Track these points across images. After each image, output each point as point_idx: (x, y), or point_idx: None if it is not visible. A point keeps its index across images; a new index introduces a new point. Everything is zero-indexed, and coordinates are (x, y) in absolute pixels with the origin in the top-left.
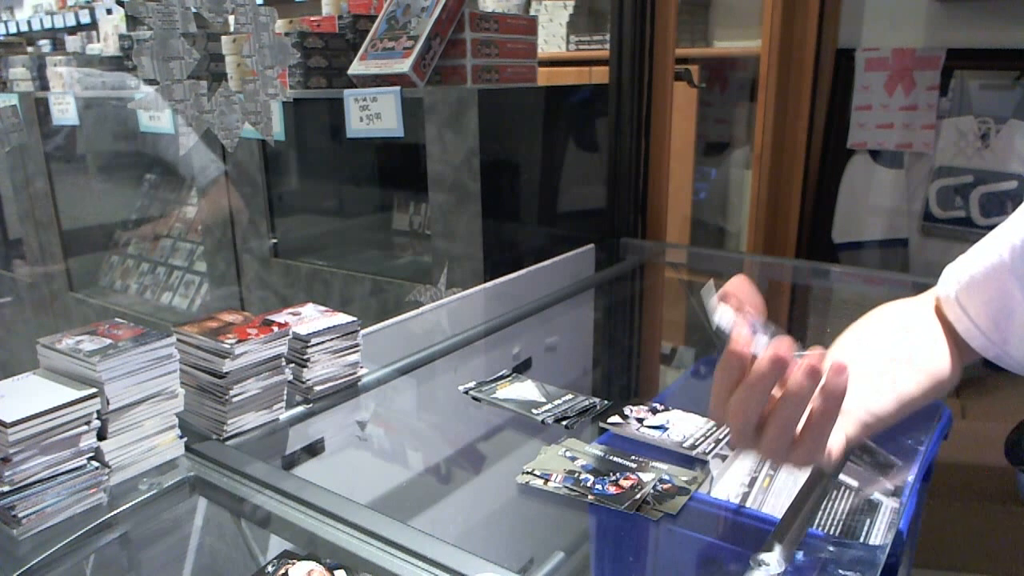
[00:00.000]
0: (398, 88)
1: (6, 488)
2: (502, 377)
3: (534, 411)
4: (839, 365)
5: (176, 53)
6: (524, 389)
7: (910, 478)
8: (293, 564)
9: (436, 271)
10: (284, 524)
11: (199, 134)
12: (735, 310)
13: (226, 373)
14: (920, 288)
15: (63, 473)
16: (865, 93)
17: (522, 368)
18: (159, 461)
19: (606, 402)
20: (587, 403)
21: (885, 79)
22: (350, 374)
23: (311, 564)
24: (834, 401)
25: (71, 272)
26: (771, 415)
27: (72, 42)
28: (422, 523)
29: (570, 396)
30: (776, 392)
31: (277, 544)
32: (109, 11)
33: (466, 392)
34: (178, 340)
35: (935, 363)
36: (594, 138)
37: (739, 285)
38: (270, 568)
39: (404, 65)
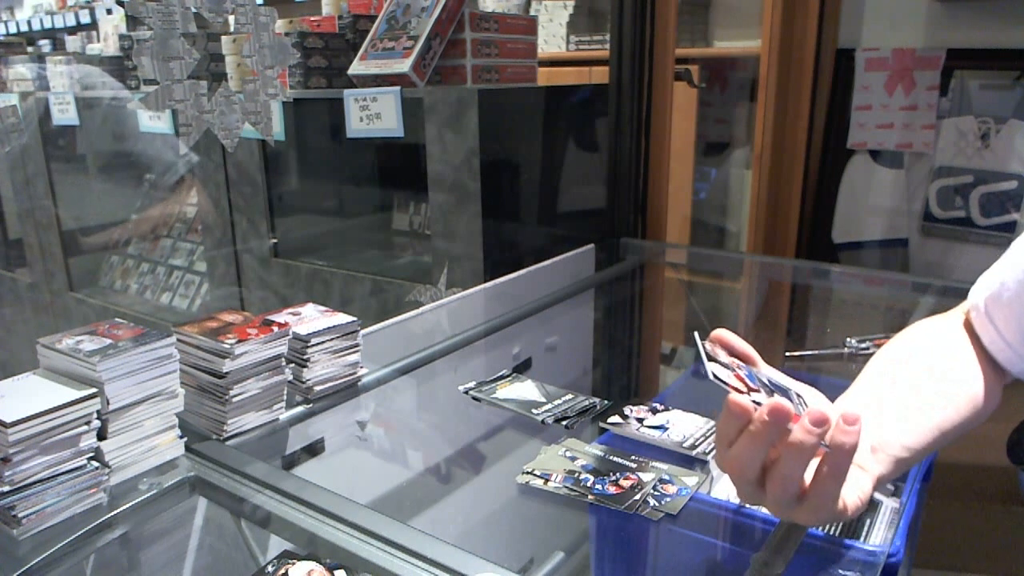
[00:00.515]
0: (398, 88)
1: (6, 488)
2: (502, 377)
3: (534, 411)
4: (850, 418)
5: (176, 53)
6: (524, 389)
7: (910, 478)
8: (293, 564)
9: (436, 271)
10: (284, 524)
11: (199, 134)
12: (727, 360)
13: (226, 373)
14: (920, 288)
15: (63, 473)
16: (865, 93)
17: (522, 368)
18: (159, 461)
19: (606, 402)
20: (587, 403)
21: (885, 79)
22: (350, 374)
23: (311, 564)
24: (844, 458)
25: (71, 272)
26: (771, 469)
27: (72, 42)
28: (422, 523)
29: (570, 396)
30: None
31: (277, 544)
32: (109, 11)
33: (466, 392)
34: (178, 340)
35: (973, 387)
36: (594, 138)
37: (723, 337)
38: (270, 568)
39: (404, 65)
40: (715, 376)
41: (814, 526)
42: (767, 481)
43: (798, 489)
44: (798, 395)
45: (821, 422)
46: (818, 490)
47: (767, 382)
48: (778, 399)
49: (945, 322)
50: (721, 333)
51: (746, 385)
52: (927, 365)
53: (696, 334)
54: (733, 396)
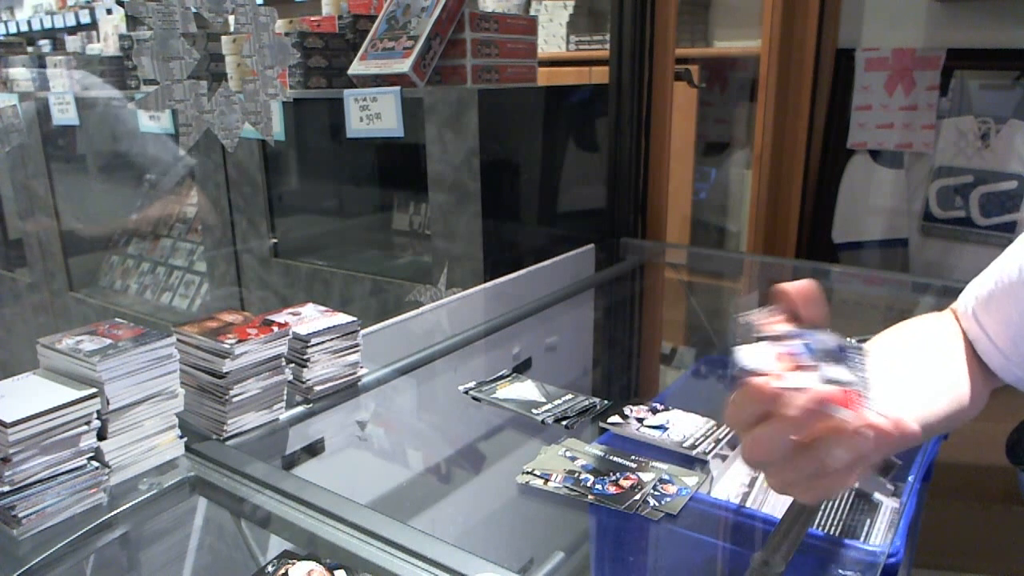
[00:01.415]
0: (398, 88)
1: (6, 488)
2: (502, 377)
3: (534, 411)
4: (905, 426)
5: (176, 53)
6: (524, 389)
7: (910, 478)
8: (293, 564)
9: (436, 271)
10: (284, 524)
11: (199, 134)
12: (782, 330)
13: (226, 373)
14: (920, 288)
15: (63, 473)
16: (865, 93)
17: (522, 368)
18: (159, 461)
19: (606, 402)
20: (587, 403)
21: (885, 79)
22: (350, 374)
23: (311, 564)
24: (881, 453)
25: (71, 272)
26: (805, 454)
27: (72, 42)
28: (422, 523)
29: (570, 396)
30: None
31: (277, 544)
32: (109, 11)
33: (466, 392)
34: (178, 340)
35: (959, 389)
36: (594, 138)
37: (806, 291)
38: (270, 568)
39: (404, 65)
40: (744, 366)
41: (816, 502)
42: (798, 466)
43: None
44: (859, 354)
45: (873, 426)
46: (838, 475)
47: (832, 349)
48: (831, 385)
49: (938, 321)
50: (805, 286)
51: (794, 363)
52: (920, 359)
53: (738, 316)
54: (758, 380)
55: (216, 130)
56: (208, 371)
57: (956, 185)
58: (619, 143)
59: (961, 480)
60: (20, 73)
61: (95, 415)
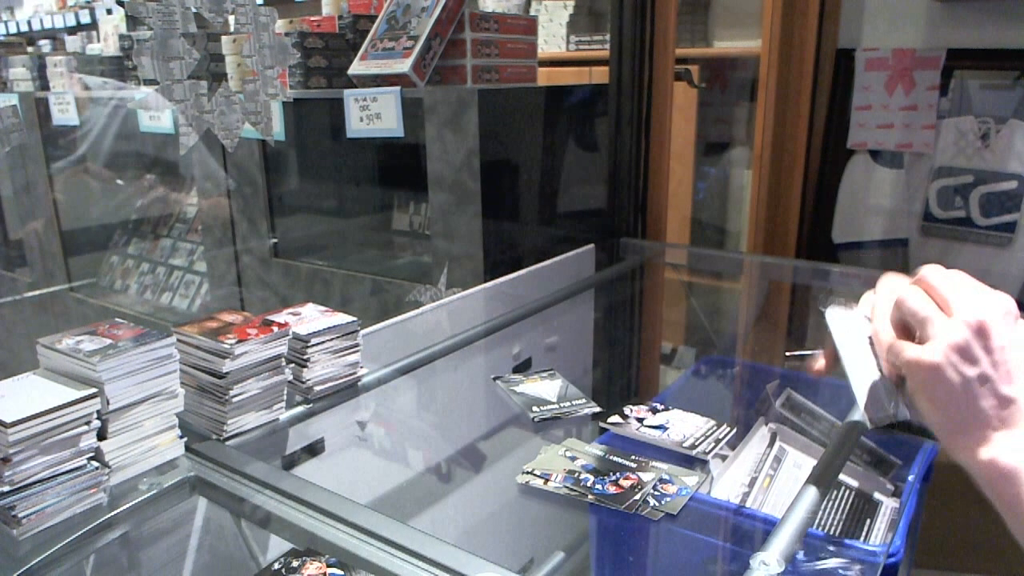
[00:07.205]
0: (398, 88)
1: (6, 488)
2: (537, 371)
3: (534, 408)
4: None
5: (176, 53)
6: (546, 388)
7: (910, 478)
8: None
9: (436, 271)
10: (284, 524)
11: (199, 134)
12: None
13: (226, 373)
14: None
15: (63, 473)
16: (865, 93)
17: (522, 368)
18: (159, 461)
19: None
20: (589, 411)
21: (885, 79)
22: (350, 374)
23: (318, 562)
24: None
25: (71, 272)
26: None
27: (72, 42)
28: (422, 523)
29: (582, 401)
30: None
31: (277, 544)
32: (109, 11)
33: (495, 379)
34: (178, 340)
35: None
36: (594, 138)
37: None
38: (276, 566)
39: (404, 65)
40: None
41: None
42: None
43: None
44: None
45: None
46: None
47: None
48: None
49: None
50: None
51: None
52: None
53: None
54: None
55: (216, 130)
56: (208, 371)
57: (956, 185)
58: (619, 143)
59: (961, 480)
60: (20, 73)
61: (95, 415)
